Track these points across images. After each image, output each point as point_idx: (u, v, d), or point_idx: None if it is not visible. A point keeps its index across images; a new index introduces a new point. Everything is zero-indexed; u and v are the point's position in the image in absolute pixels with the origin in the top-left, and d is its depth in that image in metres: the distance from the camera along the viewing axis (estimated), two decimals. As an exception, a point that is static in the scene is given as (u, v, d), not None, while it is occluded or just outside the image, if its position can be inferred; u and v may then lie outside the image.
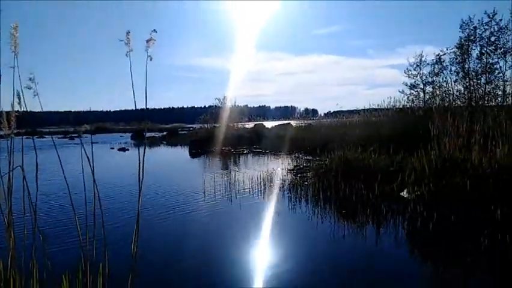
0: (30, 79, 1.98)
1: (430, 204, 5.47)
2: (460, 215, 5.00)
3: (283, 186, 7.83)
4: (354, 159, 7.56)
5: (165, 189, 7.91)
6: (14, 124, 2.06)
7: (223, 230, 5.18)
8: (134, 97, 2.10)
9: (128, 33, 2.00)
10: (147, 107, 2.28)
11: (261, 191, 7.57)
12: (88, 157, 2.03)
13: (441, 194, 5.53)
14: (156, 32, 2.02)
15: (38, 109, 2.13)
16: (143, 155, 1.94)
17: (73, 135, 33.32)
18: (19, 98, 2.04)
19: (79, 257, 2.00)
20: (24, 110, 2.06)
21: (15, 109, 2.04)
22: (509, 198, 4.91)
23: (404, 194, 6.33)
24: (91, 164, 1.98)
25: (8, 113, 2.05)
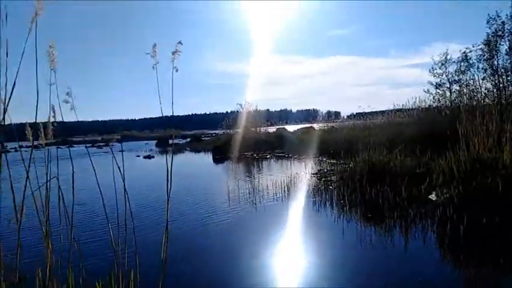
0: (67, 94, 2.09)
1: (460, 207, 5.29)
2: (492, 217, 4.82)
3: (307, 191, 7.79)
4: (380, 161, 7.43)
5: (191, 196, 8.04)
6: (51, 136, 2.19)
7: (249, 236, 5.20)
8: (161, 107, 2.19)
9: (154, 46, 2.08)
10: (172, 114, 2.36)
11: (285, 195, 7.56)
12: (118, 166, 2.12)
13: (471, 196, 5.34)
14: (182, 44, 2.10)
15: (71, 119, 2.25)
16: (171, 165, 2.01)
17: (101, 144, 34.49)
18: (54, 111, 2.16)
19: (111, 265, 2.08)
20: (59, 121, 2.18)
21: (51, 121, 2.17)
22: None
23: (433, 196, 6.16)
24: (122, 173, 2.07)
25: (44, 124, 2.18)
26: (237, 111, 25.56)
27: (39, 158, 2.13)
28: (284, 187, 8.26)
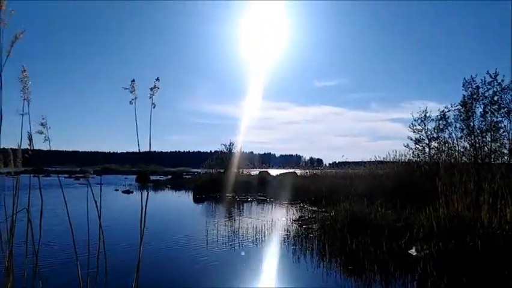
0: (42, 124, 2.02)
1: (440, 264, 5.25)
2: (472, 277, 4.77)
3: (288, 238, 7.62)
4: (361, 212, 7.41)
5: (167, 236, 7.73)
6: (20, 164, 2.09)
7: (223, 278, 4.99)
8: (138, 143, 2.13)
9: (133, 81, 2.06)
10: (151, 149, 2.30)
11: (265, 240, 7.36)
12: (94, 200, 2.03)
13: (451, 253, 5.33)
14: (159, 80, 2.09)
15: (45, 147, 2.16)
16: (145, 207, 1.92)
17: (79, 175, 33.43)
18: (29, 140, 2.07)
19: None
20: (32, 149, 2.09)
21: (23, 147, 2.08)
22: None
23: (413, 251, 6.11)
24: (98, 208, 1.97)
25: (14, 151, 2.08)
26: (221, 151, 25.61)
27: (9, 186, 2.02)
28: (264, 232, 8.06)
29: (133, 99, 1.89)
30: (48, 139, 1.88)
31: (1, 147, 1.97)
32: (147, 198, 1.94)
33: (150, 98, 1.90)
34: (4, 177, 2.07)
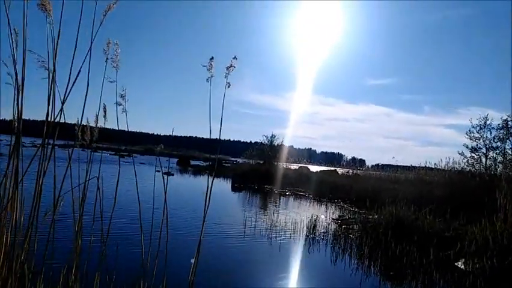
0: (121, 96, 2.09)
1: (492, 281, 4.92)
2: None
3: (326, 236, 7.51)
4: (407, 218, 7.11)
5: (207, 223, 7.91)
6: (96, 135, 2.19)
7: (258, 271, 5.03)
8: (210, 126, 2.16)
9: (211, 59, 2.06)
10: (219, 137, 2.33)
11: (302, 236, 7.31)
12: (162, 176, 2.09)
13: (506, 271, 4.97)
14: (236, 59, 2.07)
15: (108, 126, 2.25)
16: (211, 187, 1.94)
17: (124, 153, 35.10)
18: (104, 111, 2.17)
19: (138, 273, 1.99)
20: (103, 126, 2.19)
21: (98, 124, 2.18)
22: None
23: (461, 264, 5.78)
24: (165, 186, 2.03)
25: (91, 127, 2.18)
26: (262, 142, 25.67)
27: (74, 158, 2.12)
28: (302, 227, 8.00)
29: (209, 78, 1.90)
30: (125, 111, 1.95)
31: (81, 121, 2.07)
32: (212, 183, 1.96)
33: (225, 77, 1.91)
34: (60, 150, 2.17)
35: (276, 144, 24.09)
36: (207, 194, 1.96)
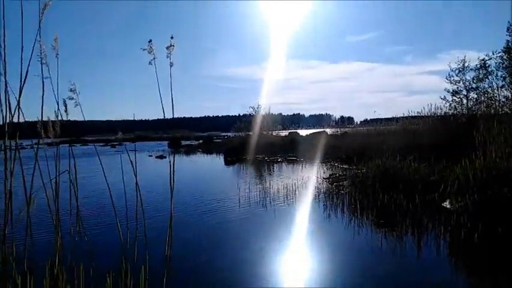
0: (71, 90, 2.09)
1: (475, 215, 5.16)
2: (509, 227, 4.67)
3: (318, 195, 7.72)
4: (393, 167, 7.31)
5: (202, 195, 8.07)
6: (59, 131, 2.20)
7: (256, 236, 5.18)
8: (162, 107, 2.17)
9: (150, 41, 2.04)
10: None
11: (296, 199, 7.51)
12: (131, 164, 2.13)
13: (487, 204, 5.20)
14: (173, 38, 2.05)
15: (80, 118, 2.26)
16: (173, 167, 1.98)
17: (114, 143, 34.95)
18: (65, 106, 2.17)
19: (120, 258, 2.07)
20: (66, 119, 2.19)
21: (59, 118, 2.18)
22: None
23: (447, 204, 6.03)
24: (135, 170, 2.07)
25: (53, 122, 2.19)
26: (250, 114, 25.65)
27: (51, 156, 2.14)
28: (295, 190, 8.20)
29: (151, 60, 1.90)
30: (78, 104, 1.96)
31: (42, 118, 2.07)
32: (174, 161, 2.00)
33: (168, 57, 1.91)
34: (46, 148, 2.19)
35: (259, 114, 24.14)
36: (170, 174, 2.01)
